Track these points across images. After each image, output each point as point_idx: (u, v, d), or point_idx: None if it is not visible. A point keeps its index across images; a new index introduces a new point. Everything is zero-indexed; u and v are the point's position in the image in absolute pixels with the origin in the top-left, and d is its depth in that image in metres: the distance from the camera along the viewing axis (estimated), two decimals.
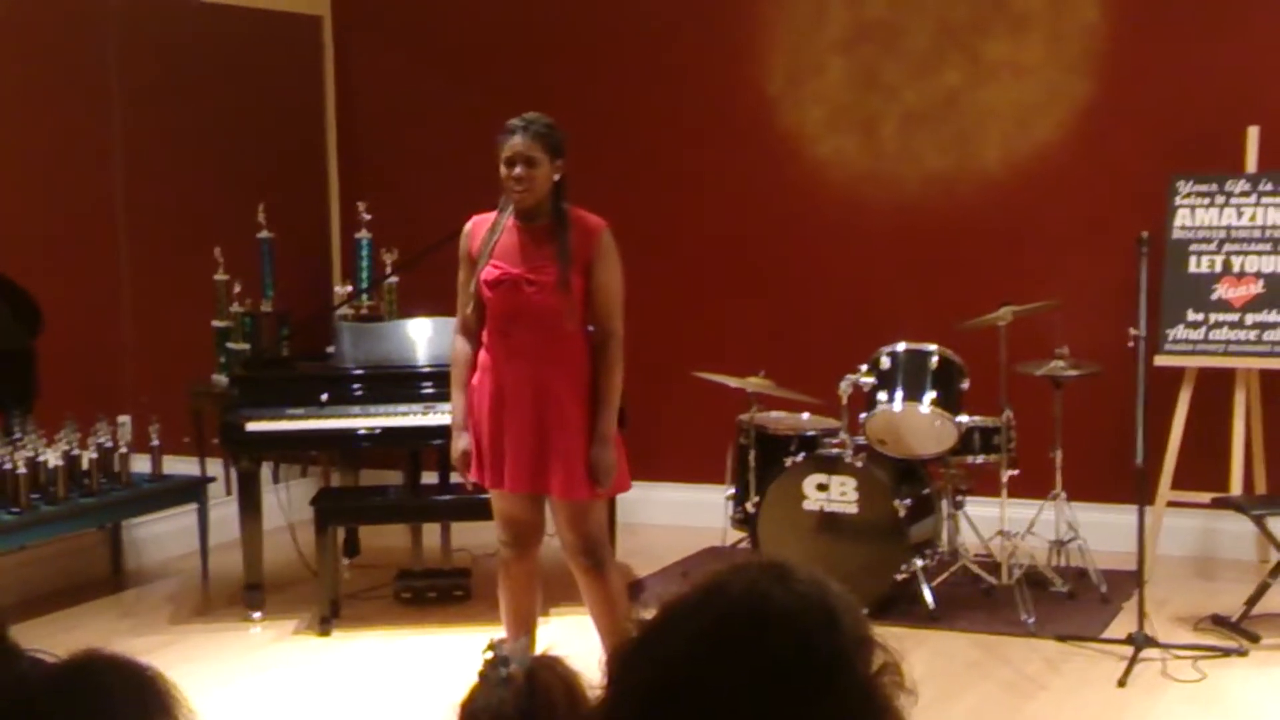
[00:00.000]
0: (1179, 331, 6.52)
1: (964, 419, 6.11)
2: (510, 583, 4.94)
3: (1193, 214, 6.57)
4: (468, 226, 4.86)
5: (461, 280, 4.84)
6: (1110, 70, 6.97)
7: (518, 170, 4.63)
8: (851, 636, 1.39)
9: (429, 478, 6.63)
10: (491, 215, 4.79)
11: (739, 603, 1.40)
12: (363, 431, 6.14)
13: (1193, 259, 6.56)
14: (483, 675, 2.08)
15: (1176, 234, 6.58)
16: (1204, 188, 6.56)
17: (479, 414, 4.78)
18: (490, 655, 2.09)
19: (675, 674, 1.39)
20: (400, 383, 6.22)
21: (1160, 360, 6.42)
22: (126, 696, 1.55)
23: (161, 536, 7.09)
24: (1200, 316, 6.50)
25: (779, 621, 1.38)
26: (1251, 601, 5.81)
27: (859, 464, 6.00)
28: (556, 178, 4.67)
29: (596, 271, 4.69)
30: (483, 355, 4.80)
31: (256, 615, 6.19)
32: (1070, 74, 7.03)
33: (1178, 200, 6.59)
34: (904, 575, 5.99)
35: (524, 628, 4.96)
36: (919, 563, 6.05)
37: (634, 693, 1.42)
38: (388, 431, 6.13)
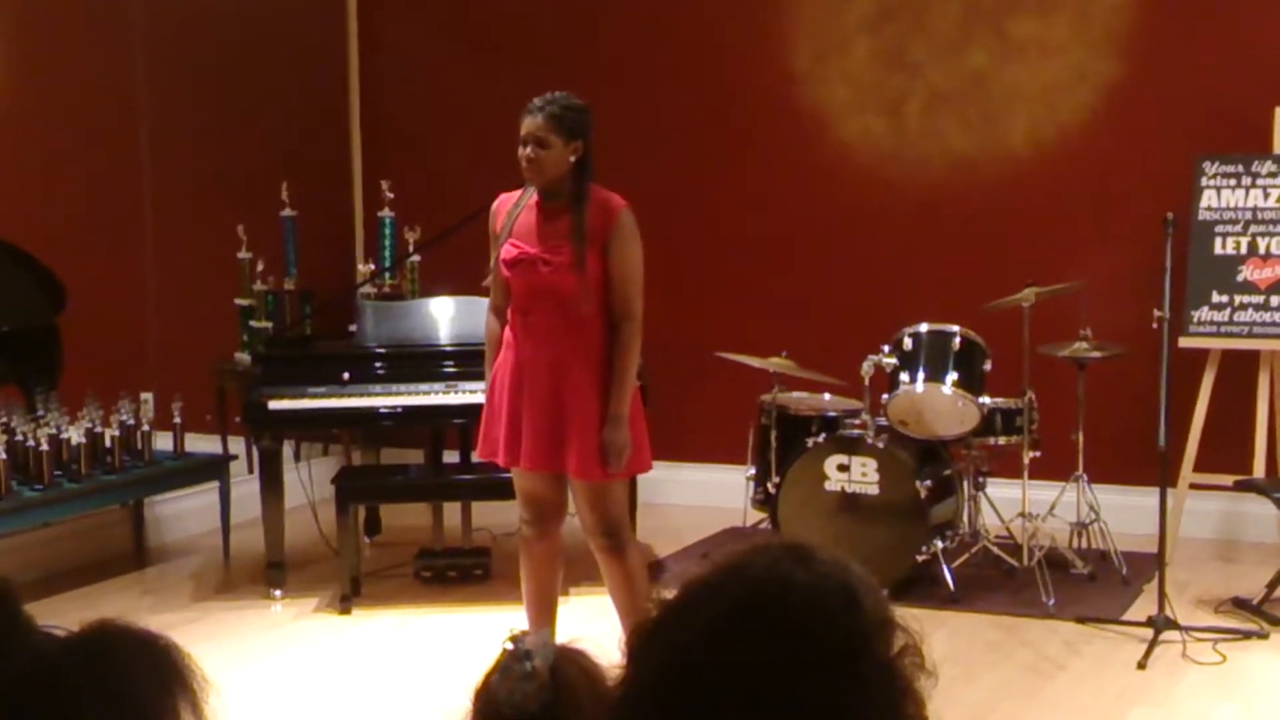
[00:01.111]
0: (1203, 313, 6.49)
1: (986, 400, 6.09)
2: (531, 562, 4.95)
3: (1219, 195, 6.54)
4: (493, 205, 4.86)
5: (492, 259, 4.84)
6: (1137, 50, 6.93)
7: (529, 150, 4.63)
8: (873, 618, 1.39)
9: (450, 457, 6.65)
10: (517, 193, 4.80)
11: (760, 583, 1.40)
12: (384, 410, 6.15)
13: (1218, 240, 6.53)
14: (504, 668, 2.07)
15: (1202, 215, 6.54)
16: (1230, 169, 6.52)
17: (500, 392, 4.78)
18: (512, 647, 2.08)
19: (695, 654, 1.39)
20: (422, 361, 6.22)
21: (1184, 342, 6.40)
22: (141, 666, 1.55)
23: (183, 514, 7.12)
24: (1225, 298, 6.47)
25: (800, 602, 1.37)
26: (1273, 584, 5.80)
27: (880, 445, 6.00)
28: (573, 158, 4.66)
29: (613, 251, 4.67)
30: (506, 333, 4.80)
31: (277, 593, 6.21)
32: (1097, 54, 7.00)
33: (1204, 181, 6.55)
34: (925, 556, 5.99)
35: (545, 607, 4.97)
36: (940, 544, 6.04)
37: (654, 672, 1.42)
38: (409, 410, 6.14)
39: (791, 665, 1.35)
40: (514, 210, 4.75)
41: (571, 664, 2.05)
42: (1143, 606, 5.77)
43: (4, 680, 1.52)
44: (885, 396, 6.12)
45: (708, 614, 1.40)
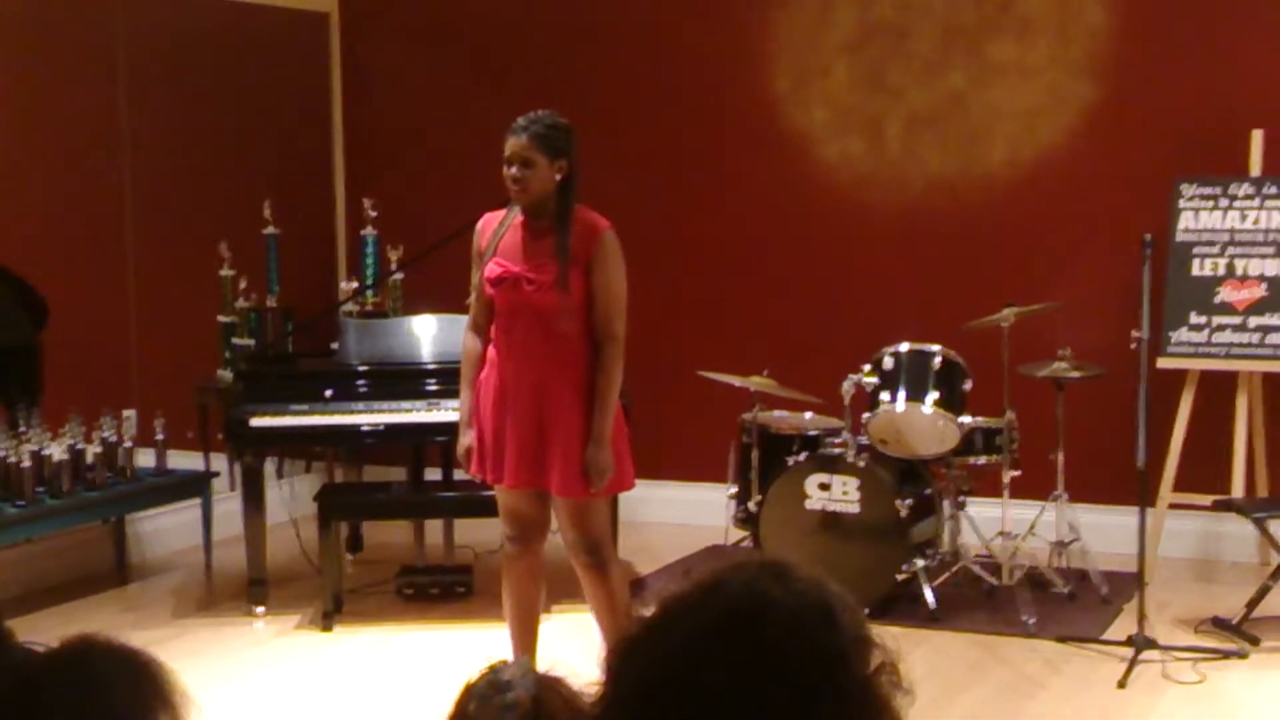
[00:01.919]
0: (1182, 334, 6.52)
1: (966, 419, 6.12)
2: (514, 579, 4.96)
3: (1196, 217, 6.58)
4: (479, 224, 4.88)
5: (474, 278, 4.86)
6: (1115, 73, 6.98)
7: (514, 170, 4.65)
8: (849, 635, 1.41)
9: (432, 474, 6.65)
10: (503, 212, 4.81)
11: (737, 600, 1.41)
12: (366, 428, 6.15)
13: (1196, 262, 6.57)
14: (483, 698, 2.07)
15: (1180, 237, 6.59)
16: (1208, 190, 6.57)
17: (484, 409, 4.79)
18: (492, 678, 2.08)
19: (673, 671, 1.40)
20: (404, 379, 6.23)
21: (1163, 363, 6.43)
22: (123, 681, 1.56)
23: (165, 531, 7.11)
24: (1203, 319, 6.51)
25: (777, 620, 1.39)
26: (1252, 604, 5.81)
27: (861, 464, 6.02)
28: (559, 177, 4.68)
29: (596, 272, 4.69)
30: (490, 351, 4.82)
31: (260, 610, 6.20)
32: (1075, 77, 7.04)
33: (1181, 203, 6.60)
34: (905, 575, 6.01)
35: (527, 624, 4.97)
36: (920, 563, 6.06)
37: (632, 689, 1.43)
38: (391, 428, 6.15)
39: (769, 682, 1.37)
40: (499, 229, 4.77)
41: (553, 693, 2.06)
42: (1123, 626, 5.80)
43: None
44: (866, 415, 6.14)
45: (685, 631, 1.41)
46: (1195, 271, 6.56)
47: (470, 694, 2.08)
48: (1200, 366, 6.53)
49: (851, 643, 1.41)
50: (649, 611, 1.46)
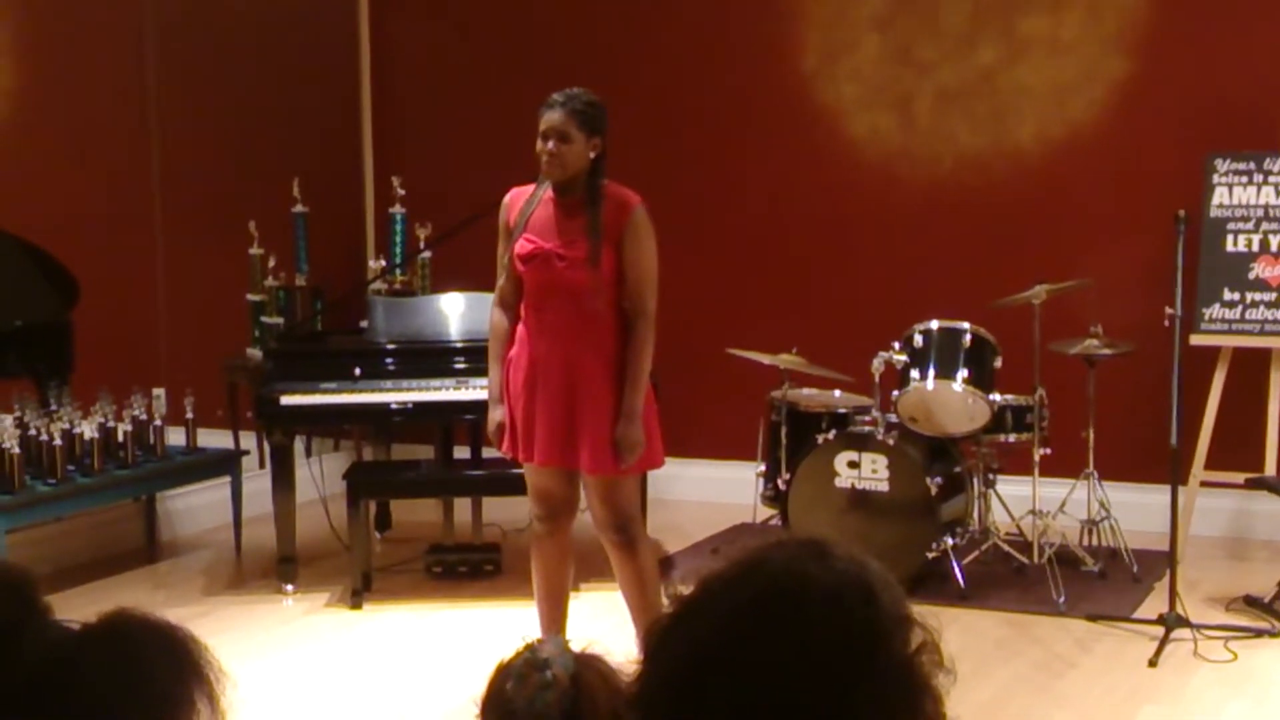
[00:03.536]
0: (1215, 310, 6.48)
1: (996, 397, 6.09)
2: (542, 557, 4.96)
3: (1230, 192, 6.53)
4: (506, 199, 4.86)
5: (500, 253, 4.85)
6: (1147, 47, 6.92)
7: (550, 145, 4.62)
8: (890, 615, 1.40)
9: (461, 452, 6.65)
10: (530, 188, 4.80)
11: (778, 579, 1.40)
12: (395, 406, 6.16)
13: (1229, 238, 6.52)
14: (521, 676, 2.07)
15: (1213, 212, 6.54)
16: (1241, 166, 6.52)
17: (514, 388, 4.79)
18: (529, 656, 2.08)
19: (712, 649, 1.39)
20: (433, 357, 6.23)
21: (1195, 339, 6.39)
22: (159, 656, 1.56)
23: (195, 509, 7.13)
24: (1236, 295, 6.46)
25: (818, 599, 1.38)
26: None
27: (890, 441, 6.00)
28: (593, 154, 4.66)
29: (627, 248, 4.68)
30: (520, 329, 4.81)
31: (289, 588, 6.22)
32: (1107, 51, 6.99)
33: (1215, 178, 6.54)
34: (935, 553, 5.99)
35: (556, 603, 4.97)
36: (950, 541, 6.05)
37: (671, 666, 1.42)
38: (420, 406, 6.15)
39: (809, 661, 1.36)
40: (528, 205, 4.76)
41: (591, 671, 2.06)
42: (1153, 604, 5.77)
43: (24, 667, 1.53)
44: (895, 393, 6.12)
45: (725, 609, 1.40)
46: (1229, 247, 6.51)
47: (507, 672, 2.08)
48: (1233, 343, 6.49)
49: (892, 622, 1.40)
50: (688, 590, 1.45)
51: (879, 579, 1.41)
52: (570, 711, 2.02)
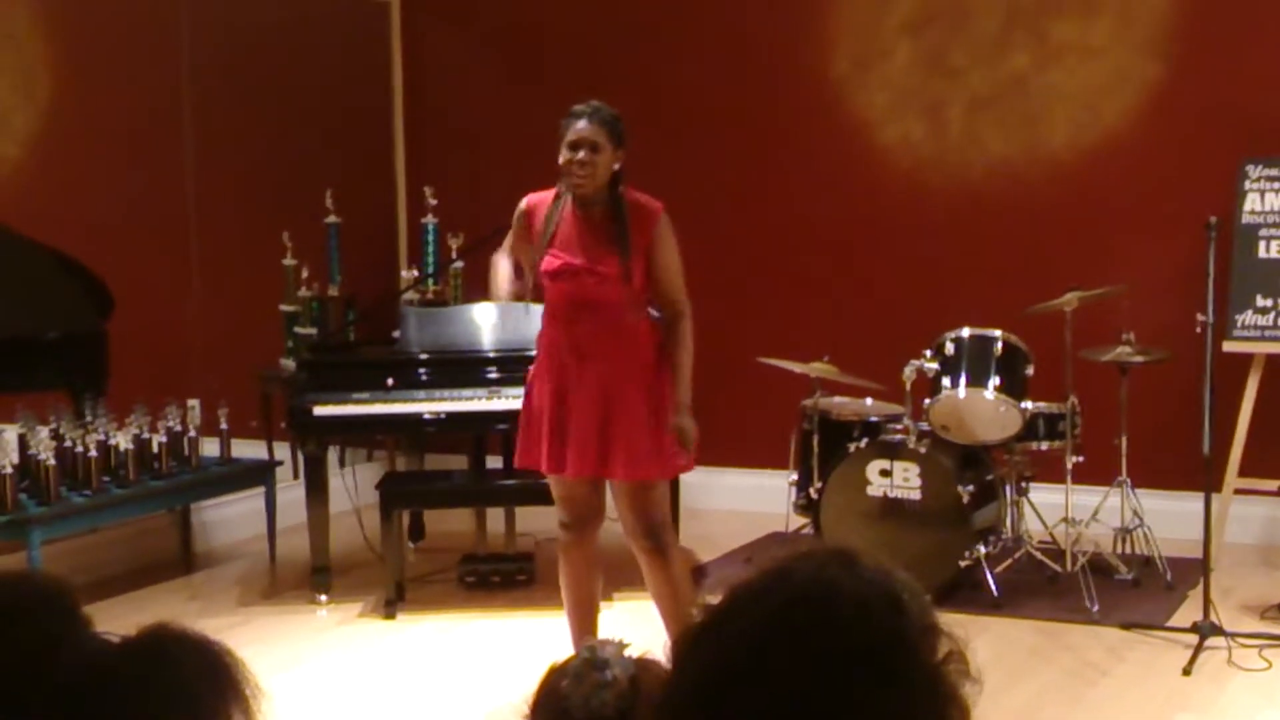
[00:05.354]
0: (1248, 317, 6.45)
1: (1028, 405, 6.08)
2: (571, 567, 4.96)
3: (1262, 198, 6.50)
4: (523, 204, 4.85)
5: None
6: (1179, 52, 6.90)
7: (581, 155, 4.62)
8: (918, 624, 1.40)
9: (494, 462, 6.67)
10: (546, 194, 4.80)
11: (805, 588, 1.41)
12: (428, 416, 6.18)
13: (1262, 244, 6.49)
14: (578, 675, 2.08)
15: (1246, 219, 6.51)
16: (1274, 172, 6.49)
17: (537, 400, 4.80)
18: (589, 656, 2.10)
19: (739, 657, 1.40)
20: (465, 367, 6.25)
21: (1228, 346, 6.37)
22: (197, 670, 1.57)
23: (230, 519, 7.17)
24: (1269, 302, 6.44)
25: (845, 608, 1.38)
26: None
27: (922, 450, 5.99)
28: (616, 167, 4.68)
29: (656, 255, 4.70)
30: (542, 338, 4.82)
31: (323, 598, 6.25)
32: (1139, 56, 6.97)
33: (1247, 184, 6.52)
34: (967, 562, 5.98)
35: (586, 612, 4.98)
36: (982, 549, 6.03)
37: (698, 675, 1.43)
38: (453, 416, 6.17)
39: (836, 671, 1.36)
40: (551, 218, 4.76)
41: (649, 674, 2.07)
42: (1187, 612, 5.75)
43: (62, 678, 1.54)
44: (927, 401, 6.11)
45: (752, 619, 1.41)
46: (1261, 254, 6.48)
47: (564, 671, 2.09)
48: (1266, 350, 6.46)
49: (919, 631, 1.40)
50: (715, 598, 1.45)
51: (906, 588, 1.41)
52: (625, 712, 2.03)
